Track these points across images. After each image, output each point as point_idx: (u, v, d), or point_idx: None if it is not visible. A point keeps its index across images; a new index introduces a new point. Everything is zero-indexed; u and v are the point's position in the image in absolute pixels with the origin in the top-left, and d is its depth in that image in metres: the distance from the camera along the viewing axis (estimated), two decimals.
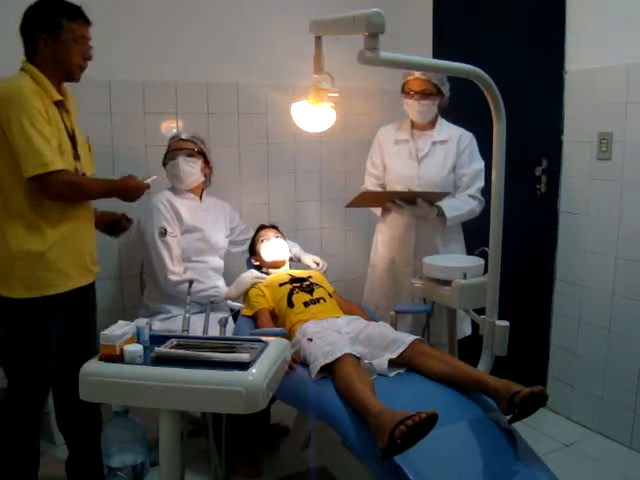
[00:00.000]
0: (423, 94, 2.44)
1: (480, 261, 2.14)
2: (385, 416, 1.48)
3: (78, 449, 2.02)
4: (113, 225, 2.10)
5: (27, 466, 1.84)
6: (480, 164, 2.47)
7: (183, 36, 2.79)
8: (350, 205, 2.49)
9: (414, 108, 2.47)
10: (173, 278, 2.36)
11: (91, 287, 2.00)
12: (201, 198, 2.57)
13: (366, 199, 2.56)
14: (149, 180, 1.96)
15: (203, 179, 2.54)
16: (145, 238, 2.42)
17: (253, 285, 2.40)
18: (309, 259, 2.67)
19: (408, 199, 2.40)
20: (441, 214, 2.41)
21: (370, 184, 2.67)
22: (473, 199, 2.46)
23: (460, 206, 2.45)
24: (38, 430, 1.86)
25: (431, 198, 2.41)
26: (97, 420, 2.00)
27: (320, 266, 2.62)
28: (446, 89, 2.48)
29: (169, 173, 2.48)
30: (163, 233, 2.38)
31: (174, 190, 2.51)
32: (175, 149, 2.46)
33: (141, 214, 2.46)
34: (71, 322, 1.90)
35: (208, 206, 2.58)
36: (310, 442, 1.99)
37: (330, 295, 2.37)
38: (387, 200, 2.47)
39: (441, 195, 2.43)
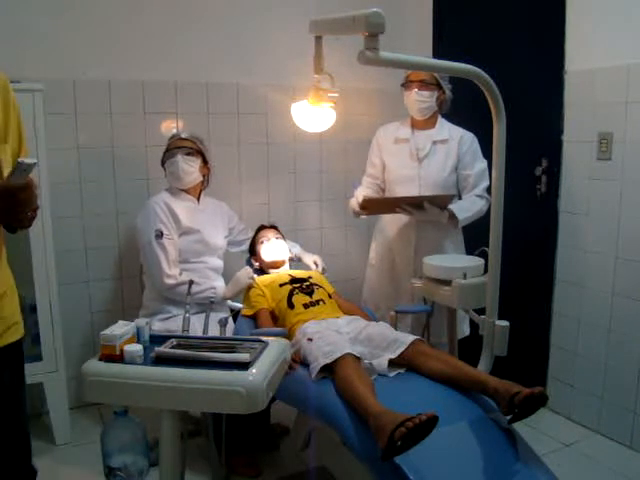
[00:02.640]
0: (422, 84, 2.43)
1: (480, 261, 2.14)
2: (385, 417, 1.47)
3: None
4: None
5: None
6: (484, 163, 2.46)
7: (183, 36, 2.79)
8: (359, 215, 2.48)
9: (412, 98, 2.46)
10: (169, 281, 2.36)
11: None
12: (199, 199, 2.57)
13: (373, 206, 2.50)
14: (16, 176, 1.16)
15: (201, 179, 2.54)
16: (141, 240, 2.42)
17: (250, 283, 2.40)
18: (309, 259, 2.67)
19: (415, 204, 2.38)
20: (452, 217, 2.40)
21: (367, 183, 2.66)
22: (480, 199, 2.46)
23: (469, 207, 2.44)
24: None
25: (439, 202, 2.39)
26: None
27: (318, 267, 2.61)
28: (447, 86, 2.48)
29: (167, 172, 2.48)
30: (159, 235, 2.37)
31: (171, 191, 2.51)
32: (174, 148, 2.46)
33: (138, 216, 2.46)
34: None
35: (205, 207, 2.58)
36: (310, 442, 1.99)
37: (330, 296, 2.37)
38: (395, 206, 2.43)
39: (449, 198, 2.42)
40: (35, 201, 1.23)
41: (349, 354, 1.79)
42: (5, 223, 1.27)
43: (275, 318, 2.30)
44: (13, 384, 1.40)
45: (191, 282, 2.11)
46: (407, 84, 2.48)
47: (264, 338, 1.58)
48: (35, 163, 1.19)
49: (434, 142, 2.52)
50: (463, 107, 2.52)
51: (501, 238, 1.87)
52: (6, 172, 1.30)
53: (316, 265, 2.62)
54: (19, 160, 1.17)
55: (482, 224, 2.11)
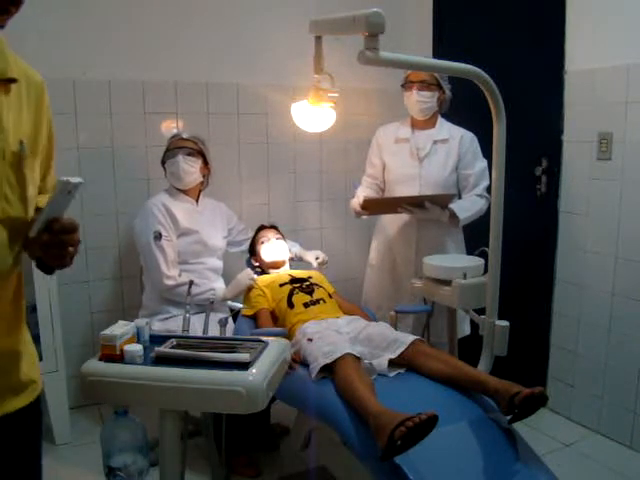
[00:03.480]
0: (422, 84, 2.43)
1: (480, 261, 2.14)
2: (385, 417, 1.47)
3: None
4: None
5: None
6: (484, 163, 2.47)
7: (183, 36, 2.79)
8: (360, 215, 2.48)
9: (413, 99, 2.46)
10: (168, 282, 2.36)
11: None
12: (197, 200, 2.56)
13: (374, 206, 2.51)
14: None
15: (201, 180, 2.54)
16: (140, 242, 2.42)
17: (250, 285, 2.40)
18: (311, 256, 2.66)
19: (416, 203, 2.38)
20: (453, 216, 2.40)
21: (367, 183, 2.66)
22: (481, 198, 2.46)
23: (469, 207, 2.44)
24: None
25: (440, 201, 2.39)
26: None
27: (320, 259, 2.61)
28: (447, 86, 2.48)
29: (168, 171, 2.47)
30: (158, 237, 2.37)
31: (170, 192, 2.50)
32: (175, 147, 2.46)
33: (136, 217, 2.46)
34: None
35: (204, 208, 2.57)
36: (310, 442, 1.99)
37: (330, 296, 2.37)
38: (396, 206, 2.44)
39: (449, 197, 2.42)
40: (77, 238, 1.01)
41: (349, 354, 1.79)
42: (55, 264, 1.05)
43: (275, 318, 2.30)
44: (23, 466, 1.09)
45: (191, 282, 2.11)
46: (407, 84, 2.48)
47: (264, 338, 1.58)
48: (81, 183, 0.96)
49: (434, 142, 2.52)
50: (463, 107, 2.52)
51: (501, 238, 1.87)
52: (30, 192, 1.04)
53: (317, 259, 2.62)
54: (63, 179, 0.94)
55: (482, 224, 2.11)
